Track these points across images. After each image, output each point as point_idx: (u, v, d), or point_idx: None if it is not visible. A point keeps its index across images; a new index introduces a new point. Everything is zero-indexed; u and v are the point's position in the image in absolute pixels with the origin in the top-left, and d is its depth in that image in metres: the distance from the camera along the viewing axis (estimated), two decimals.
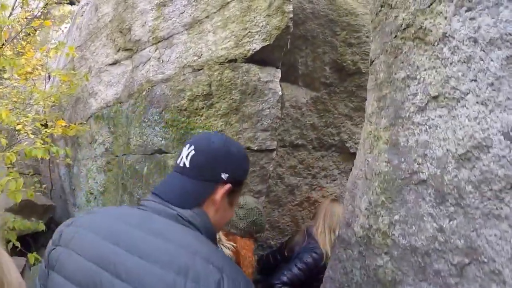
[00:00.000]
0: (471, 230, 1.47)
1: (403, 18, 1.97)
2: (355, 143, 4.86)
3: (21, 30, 7.81)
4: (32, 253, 5.00)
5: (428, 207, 1.68)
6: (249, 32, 4.13)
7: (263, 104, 4.07)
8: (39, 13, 12.12)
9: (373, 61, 2.38)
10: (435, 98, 1.69)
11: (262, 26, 4.08)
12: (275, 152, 4.19)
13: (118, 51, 5.76)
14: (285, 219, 4.74)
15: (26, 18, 9.18)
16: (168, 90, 4.50)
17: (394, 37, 2.07)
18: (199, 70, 4.34)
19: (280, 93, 4.11)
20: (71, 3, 11.38)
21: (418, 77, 1.82)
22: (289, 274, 3.75)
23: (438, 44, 1.70)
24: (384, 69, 2.18)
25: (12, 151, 4.72)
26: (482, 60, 1.46)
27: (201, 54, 4.39)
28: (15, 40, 9.71)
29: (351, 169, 4.73)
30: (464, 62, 1.54)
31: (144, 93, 4.86)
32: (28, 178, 8.13)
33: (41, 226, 5.74)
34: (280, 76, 4.18)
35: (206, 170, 1.73)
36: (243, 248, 3.21)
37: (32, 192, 4.93)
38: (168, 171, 4.33)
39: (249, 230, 3.33)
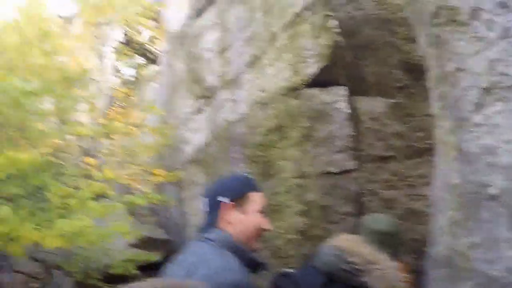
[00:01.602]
0: None
1: (432, 2, 1.73)
2: None
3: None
4: None
5: (504, 229, 1.43)
6: (302, 57, 3.96)
7: (333, 126, 3.86)
8: (132, 78, 12.67)
9: (424, 56, 2.14)
10: (487, 90, 1.45)
11: (312, 48, 3.89)
12: (356, 171, 3.94)
13: (198, 99, 5.80)
14: None
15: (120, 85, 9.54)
16: (245, 128, 4.43)
17: (432, 25, 1.85)
18: (266, 104, 4.23)
19: (347, 111, 3.88)
20: (155, 63, 11.72)
21: (466, 67, 1.58)
22: None
23: (470, 21, 1.46)
24: (435, 63, 1.94)
25: (118, 202, 5.13)
26: None
27: (265, 89, 4.29)
28: (115, 104, 10.16)
29: None
30: (503, 37, 1.30)
31: (226, 134, 4.83)
32: (147, 217, 8.51)
33: (153, 258, 6.05)
34: (346, 93, 3.95)
35: (211, 204, 2.12)
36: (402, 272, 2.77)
37: (139, 232, 5.31)
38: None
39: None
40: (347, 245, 2.33)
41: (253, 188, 2.18)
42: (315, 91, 3.92)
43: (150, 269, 6.62)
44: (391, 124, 4.18)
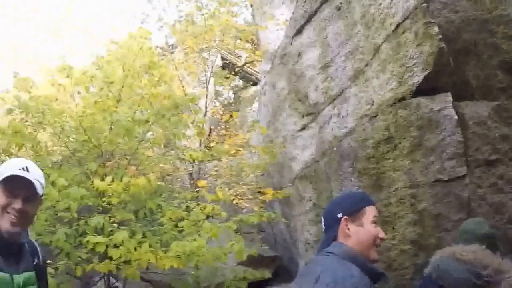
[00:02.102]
0: None
1: None
2: None
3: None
4: None
5: None
6: (407, 67, 3.98)
7: (443, 133, 3.84)
8: (232, 100, 13.06)
9: None
10: None
11: (417, 57, 3.91)
12: (467, 177, 3.87)
13: (303, 117, 5.92)
14: None
15: (221, 108, 9.88)
16: (353, 142, 4.49)
17: None
18: (374, 116, 4.27)
19: (455, 117, 3.84)
20: (255, 84, 12.01)
21: None
22: None
23: None
24: None
25: (232, 221, 5.20)
26: None
27: (373, 101, 4.34)
28: (218, 127, 10.54)
29: None
30: None
31: (334, 149, 4.90)
32: (254, 235, 8.95)
33: (266, 274, 6.27)
34: (451, 100, 3.91)
35: (328, 222, 2.34)
36: None
37: (255, 251, 5.34)
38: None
39: None
40: (475, 257, 2.30)
41: (368, 202, 2.34)
42: (422, 99, 3.93)
43: (258, 286, 6.75)
44: (496, 127, 4.09)
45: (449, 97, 3.93)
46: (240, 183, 8.25)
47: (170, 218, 5.26)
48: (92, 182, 4.88)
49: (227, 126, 10.51)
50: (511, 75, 4.21)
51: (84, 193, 4.62)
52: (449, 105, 3.87)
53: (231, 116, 10.85)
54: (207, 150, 7.62)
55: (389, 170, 4.12)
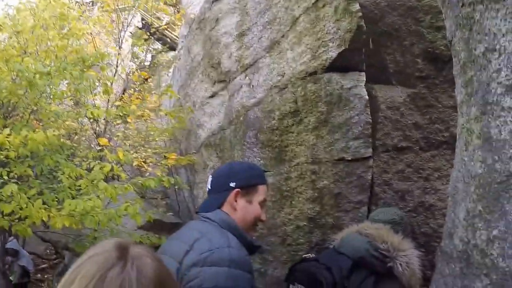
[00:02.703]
0: None
1: None
2: None
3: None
4: None
5: None
6: (322, 41, 3.79)
7: (351, 112, 3.68)
8: (149, 63, 12.57)
9: (451, 40, 1.97)
10: None
11: (334, 32, 3.72)
12: (371, 159, 3.74)
13: (214, 84, 5.68)
14: None
15: (137, 69, 9.47)
16: (260, 113, 4.29)
17: (462, 6, 1.70)
18: (284, 88, 4.08)
19: (366, 97, 3.69)
20: (173, 49, 11.58)
21: (497, 47, 1.44)
22: None
23: None
24: (463, 47, 1.77)
25: (129, 183, 4.95)
26: None
27: (284, 73, 4.14)
28: (132, 90, 10.08)
29: None
30: None
31: (241, 118, 4.69)
32: (159, 201, 8.80)
33: (163, 240, 5.91)
34: (365, 80, 3.76)
35: (218, 185, 2.22)
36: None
37: (151, 215, 5.09)
38: (269, 188, 4.10)
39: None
40: (377, 233, 2.44)
41: (263, 180, 2.28)
42: (334, 75, 3.76)
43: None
44: (410, 114, 4.01)
45: (362, 76, 3.77)
46: (146, 146, 7.92)
47: (69, 176, 4.90)
48: None
49: (141, 90, 10.05)
50: (432, 65, 4.06)
51: None
52: (360, 84, 3.72)
53: (146, 79, 10.43)
54: (113, 109, 7.24)
55: (293, 144, 3.95)
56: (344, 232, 2.70)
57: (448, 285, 1.96)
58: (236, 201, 2.16)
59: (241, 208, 2.15)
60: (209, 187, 2.27)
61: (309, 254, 2.59)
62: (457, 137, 2.03)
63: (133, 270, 1.12)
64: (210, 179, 2.29)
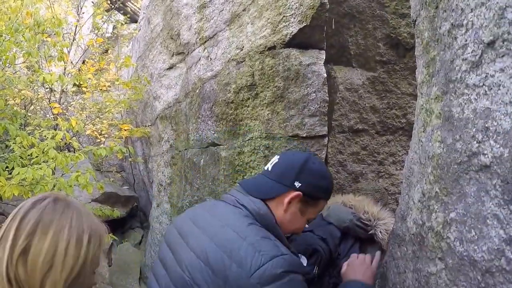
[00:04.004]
0: None
1: None
2: None
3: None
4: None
5: (492, 205, 1.11)
6: (283, 16, 3.57)
7: (308, 89, 3.47)
8: (110, 35, 12.09)
9: (415, 20, 1.81)
10: (490, 44, 1.15)
11: (296, 8, 3.49)
12: (326, 138, 3.55)
13: (172, 56, 5.40)
14: None
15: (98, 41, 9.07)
16: (216, 85, 4.06)
17: None
18: (241, 62, 3.86)
19: (324, 75, 3.49)
20: (135, 21, 11.16)
21: (464, 22, 1.28)
22: None
23: None
24: (427, 26, 1.62)
25: (80, 152, 4.63)
26: None
27: (243, 47, 3.91)
28: (92, 60, 9.65)
29: None
30: None
31: (197, 91, 4.45)
32: (114, 174, 8.71)
33: (116, 214, 5.88)
34: (324, 58, 3.55)
35: (282, 175, 1.84)
36: None
37: (102, 185, 4.74)
38: (221, 162, 3.89)
39: None
40: (359, 204, 2.53)
41: (327, 196, 1.96)
42: (293, 51, 3.55)
43: (113, 225, 6.37)
44: (368, 97, 3.87)
45: (322, 54, 3.56)
46: (101, 116, 7.58)
47: (21, 145, 4.56)
48: None
49: (100, 60, 9.63)
50: (393, 50, 3.94)
51: None
52: (320, 62, 3.51)
53: (106, 51, 10.03)
54: (69, 77, 6.85)
55: (247, 118, 3.73)
56: (330, 202, 2.60)
57: (399, 267, 1.83)
58: (289, 203, 1.82)
59: (290, 214, 1.83)
60: (270, 168, 1.91)
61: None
62: (415, 118, 1.89)
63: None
64: (276, 160, 1.93)
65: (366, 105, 3.84)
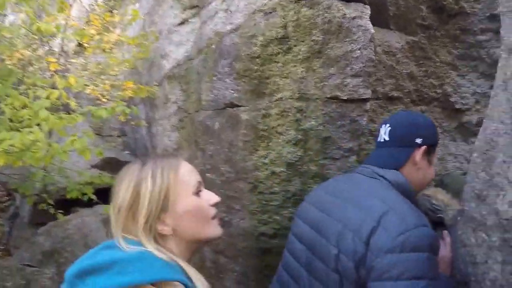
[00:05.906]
0: None
1: None
2: (461, 98, 3.48)
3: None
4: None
5: None
6: None
7: (352, 45, 2.82)
8: None
9: None
10: None
11: None
12: (368, 103, 2.94)
13: (185, 10, 4.67)
14: None
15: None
16: (238, 39, 3.35)
17: None
18: (271, 12, 3.16)
19: (372, 31, 2.85)
20: None
21: None
22: None
23: None
24: None
25: (79, 113, 4.02)
26: None
27: None
28: (96, 19, 8.90)
29: (456, 128, 3.44)
30: None
31: (213, 46, 3.74)
32: (115, 139, 7.89)
33: (114, 181, 5.02)
34: (369, 13, 2.93)
35: (402, 139, 1.87)
36: None
37: (101, 151, 4.18)
38: (241, 126, 3.21)
39: None
40: (433, 193, 2.43)
41: (439, 138, 2.02)
42: (335, 1, 2.88)
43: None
44: (406, 62, 3.24)
45: (366, 9, 2.92)
46: (103, 77, 6.84)
47: (13, 106, 3.82)
48: None
49: (105, 22, 8.88)
50: (435, 15, 3.35)
51: None
52: (365, 16, 2.86)
53: (111, 11, 9.25)
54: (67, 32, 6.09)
55: (276, 76, 3.05)
56: None
57: (475, 256, 1.63)
58: (419, 160, 1.87)
59: (422, 170, 1.88)
60: (386, 138, 1.91)
61: None
62: (500, 81, 1.56)
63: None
64: (387, 128, 1.93)
65: (403, 71, 3.25)
